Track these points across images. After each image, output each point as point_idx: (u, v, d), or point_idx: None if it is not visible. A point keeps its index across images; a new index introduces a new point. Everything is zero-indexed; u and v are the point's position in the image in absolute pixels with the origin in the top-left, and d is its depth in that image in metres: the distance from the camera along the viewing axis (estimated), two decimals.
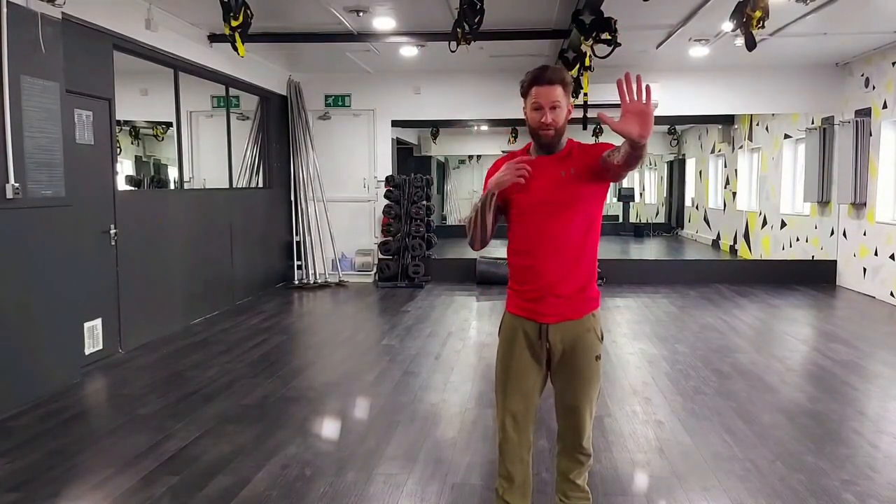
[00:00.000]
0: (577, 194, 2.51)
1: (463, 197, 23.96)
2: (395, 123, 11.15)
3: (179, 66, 7.52)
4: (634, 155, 2.27)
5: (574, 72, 7.64)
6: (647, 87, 2.15)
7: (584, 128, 9.87)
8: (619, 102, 2.19)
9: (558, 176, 2.51)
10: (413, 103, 10.64)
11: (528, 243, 2.56)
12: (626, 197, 21.94)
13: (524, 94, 2.54)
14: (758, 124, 13.34)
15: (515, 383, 2.59)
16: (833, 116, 10.20)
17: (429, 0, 6.75)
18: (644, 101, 2.15)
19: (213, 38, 7.87)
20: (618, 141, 2.32)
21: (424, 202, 10.43)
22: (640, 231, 19.45)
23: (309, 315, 8.56)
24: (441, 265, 10.89)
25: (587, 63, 7.39)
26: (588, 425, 2.63)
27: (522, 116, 2.55)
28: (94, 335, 5.93)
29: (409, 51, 8.84)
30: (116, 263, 6.26)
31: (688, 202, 19.07)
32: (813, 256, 10.88)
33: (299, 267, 10.46)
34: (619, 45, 6.38)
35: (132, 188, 8.93)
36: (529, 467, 2.65)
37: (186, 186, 8.42)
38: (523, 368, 2.59)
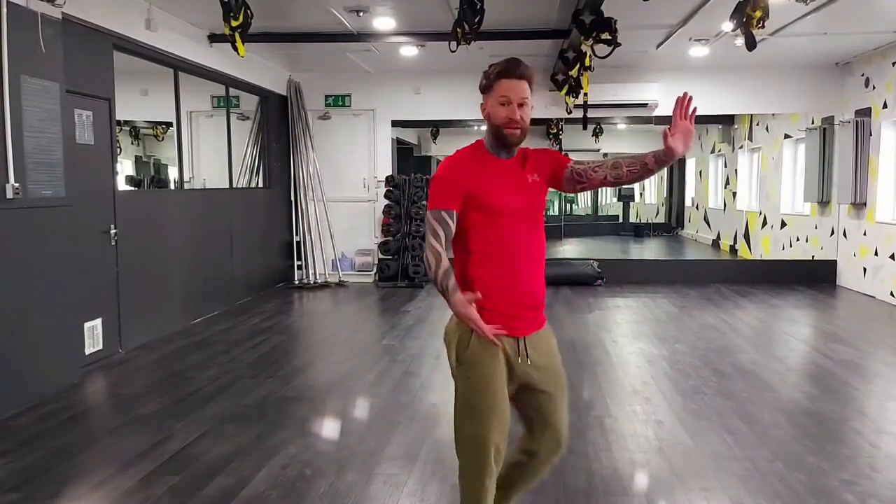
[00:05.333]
0: (542, 200, 2.50)
1: None
2: (395, 123, 11.15)
3: (179, 66, 7.52)
4: (653, 171, 2.39)
5: (574, 72, 7.66)
6: (694, 109, 2.30)
7: (585, 128, 9.87)
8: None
9: (526, 181, 2.42)
10: (413, 103, 10.64)
11: (503, 252, 2.37)
12: (625, 197, 21.90)
13: (487, 88, 2.36)
14: (758, 124, 13.34)
15: (500, 411, 2.36)
16: (833, 116, 10.20)
17: (429, 0, 6.75)
18: (690, 121, 2.30)
19: (213, 38, 7.86)
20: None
21: (424, 202, 10.44)
22: (640, 231, 19.43)
23: (309, 315, 8.56)
24: None
25: (587, 63, 7.41)
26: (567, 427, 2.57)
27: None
28: (94, 335, 5.93)
29: (409, 51, 8.83)
30: (116, 263, 6.26)
31: (688, 202, 19.07)
32: (813, 256, 10.88)
33: (299, 267, 10.46)
34: (619, 45, 6.38)
35: (132, 188, 8.94)
36: None
37: (186, 186, 8.41)
38: (502, 393, 2.37)
